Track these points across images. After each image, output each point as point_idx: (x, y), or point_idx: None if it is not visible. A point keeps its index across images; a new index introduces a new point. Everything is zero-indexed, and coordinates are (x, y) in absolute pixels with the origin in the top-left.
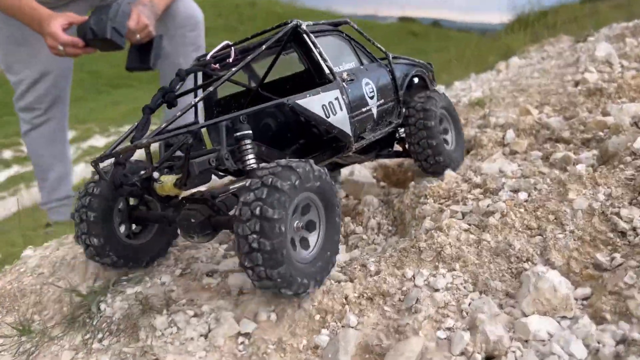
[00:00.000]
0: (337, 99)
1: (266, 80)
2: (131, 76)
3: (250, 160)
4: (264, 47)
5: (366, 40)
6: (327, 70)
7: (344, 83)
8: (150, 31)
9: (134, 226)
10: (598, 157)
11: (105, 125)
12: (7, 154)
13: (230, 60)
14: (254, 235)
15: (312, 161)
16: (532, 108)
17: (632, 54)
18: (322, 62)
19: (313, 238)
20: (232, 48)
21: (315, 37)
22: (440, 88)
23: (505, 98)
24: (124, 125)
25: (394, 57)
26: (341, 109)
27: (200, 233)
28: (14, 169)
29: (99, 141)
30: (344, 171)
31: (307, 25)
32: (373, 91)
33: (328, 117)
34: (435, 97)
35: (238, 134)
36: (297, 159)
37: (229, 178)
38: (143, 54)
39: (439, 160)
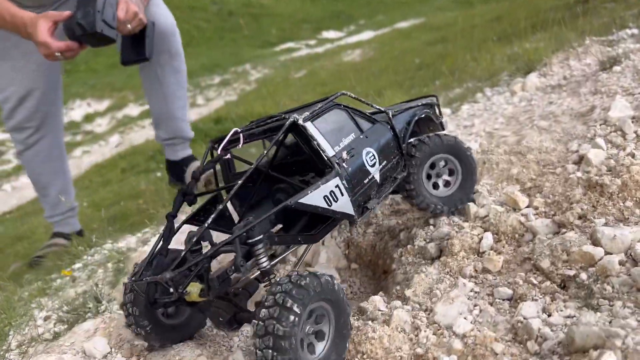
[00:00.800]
0: (337, 186)
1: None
2: None
3: (263, 262)
4: (272, 144)
5: (364, 104)
6: (326, 159)
7: (344, 163)
8: (141, 19)
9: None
10: (564, 344)
11: (140, 93)
12: None
13: (240, 146)
14: (269, 350)
15: (326, 276)
16: (521, 197)
17: None
18: (321, 152)
19: (320, 346)
20: (241, 135)
21: (314, 121)
22: (447, 113)
23: (499, 163)
24: None
25: (395, 111)
26: (342, 194)
27: (229, 328)
28: None
29: (133, 110)
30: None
31: (304, 118)
32: (374, 158)
33: (330, 206)
34: (427, 143)
35: (250, 241)
36: (307, 274)
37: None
38: (137, 45)
39: (419, 203)
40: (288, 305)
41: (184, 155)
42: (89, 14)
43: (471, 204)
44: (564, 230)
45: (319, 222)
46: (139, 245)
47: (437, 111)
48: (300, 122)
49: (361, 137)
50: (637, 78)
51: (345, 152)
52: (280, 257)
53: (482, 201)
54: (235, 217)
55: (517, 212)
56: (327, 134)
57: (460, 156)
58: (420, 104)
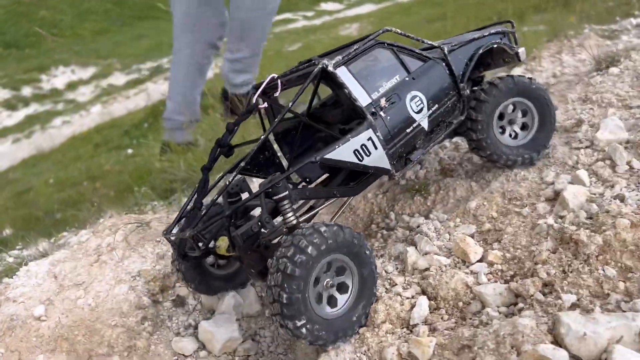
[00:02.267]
0: (369, 139)
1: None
2: (158, 7)
3: (289, 217)
4: (299, 93)
5: (413, 40)
6: (359, 109)
7: (381, 112)
8: None
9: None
10: None
11: (127, 61)
12: (27, 90)
13: (277, 93)
14: (277, 288)
15: (351, 231)
16: (473, 247)
17: None
18: (352, 101)
19: (343, 299)
20: (279, 81)
21: (349, 65)
22: None
23: (457, 189)
24: (146, 63)
25: (453, 45)
26: (375, 148)
27: (260, 279)
28: (33, 108)
29: (119, 79)
30: None
31: (335, 64)
32: (422, 103)
33: (362, 160)
34: (497, 85)
35: (275, 197)
36: (331, 224)
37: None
38: None
39: (488, 154)
40: (302, 245)
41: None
42: None
43: (410, 250)
44: (520, 305)
45: (362, 174)
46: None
47: (512, 40)
48: (330, 68)
49: (407, 79)
50: (637, 84)
51: (384, 98)
52: (317, 210)
53: (424, 246)
54: (285, 165)
55: (465, 268)
56: (364, 79)
57: (536, 100)
58: (489, 32)
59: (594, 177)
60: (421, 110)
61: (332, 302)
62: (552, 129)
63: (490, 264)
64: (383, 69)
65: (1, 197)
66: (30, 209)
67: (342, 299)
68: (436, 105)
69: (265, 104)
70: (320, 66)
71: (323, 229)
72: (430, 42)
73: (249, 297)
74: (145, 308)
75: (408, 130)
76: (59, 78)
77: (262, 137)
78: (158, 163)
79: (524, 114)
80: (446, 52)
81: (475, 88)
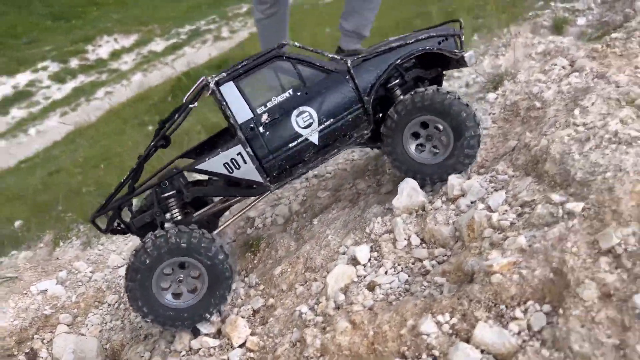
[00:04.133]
0: (239, 154)
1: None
2: None
3: (175, 213)
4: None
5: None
6: (232, 125)
7: (260, 127)
8: None
9: None
10: None
11: (166, 26)
12: (74, 62)
13: (207, 94)
14: (125, 273)
15: (205, 238)
16: (240, 330)
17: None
18: (228, 117)
19: (188, 296)
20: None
21: (239, 80)
22: None
23: (278, 248)
24: (185, 26)
25: (366, 55)
26: (245, 162)
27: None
28: (80, 79)
29: (159, 45)
30: None
31: (219, 80)
32: (311, 118)
33: (232, 173)
34: (407, 102)
35: (162, 195)
36: (183, 227)
37: None
38: None
39: (396, 166)
40: (147, 246)
41: (355, 47)
42: None
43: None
44: None
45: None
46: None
47: (457, 42)
48: (212, 85)
49: (299, 93)
50: (501, 117)
51: (267, 114)
52: (210, 207)
53: (207, 326)
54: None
55: (227, 353)
56: (253, 94)
57: (452, 119)
58: (428, 35)
59: (375, 252)
60: (310, 125)
61: (175, 295)
62: (471, 144)
63: (249, 350)
64: (277, 83)
65: (34, 178)
66: (49, 195)
67: (187, 297)
68: (330, 120)
69: (196, 104)
70: (201, 82)
71: (169, 232)
72: (333, 55)
73: (93, 350)
74: None
75: (291, 145)
76: (103, 47)
77: (139, 159)
78: None
79: (440, 130)
80: (349, 65)
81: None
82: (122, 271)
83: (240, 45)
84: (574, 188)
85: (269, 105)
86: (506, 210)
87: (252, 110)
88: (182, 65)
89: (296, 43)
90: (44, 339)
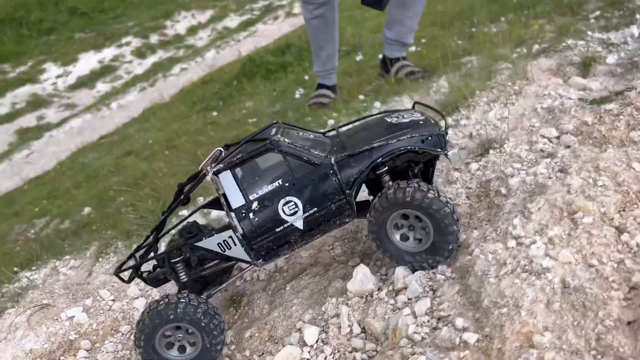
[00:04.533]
0: (230, 237)
1: None
2: None
3: (182, 276)
4: (180, 197)
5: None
6: (227, 214)
7: (250, 214)
8: None
9: None
10: None
11: (241, 1)
12: (154, 38)
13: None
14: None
15: (192, 304)
16: None
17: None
18: (224, 204)
19: (190, 349)
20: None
21: (235, 168)
22: None
23: (255, 308)
24: (258, 1)
25: (347, 155)
26: (235, 244)
27: None
28: (159, 54)
29: (233, 21)
30: None
31: (218, 169)
32: (296, 207)
33: (224, 252)
34: (387, 197)
35: (172, 260)
36: (172, 297)
37: None
38: None
39: (382, 252)
40: (148, 312)
41: (398, 55)
42: None
43: None
44: None
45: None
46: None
47: (441, 141)
48: (209, 176)
49: (287, 185)
50: (476, 192)
51: (257, 202)
52: (214, 265)
53: None
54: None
55: None
56: (247, 181)
57: (430, 213)
58: (409, 136)
59: (324, 334)
60: (295, 213)
61: (181, 350)
62: (446, 248)
63: None
64: (269, 172)
65: (110, 158)
66: (118, 177)
67: (190, 350)
68: (315, 209)
69: (211, 174)
70: (202, 174)
71: (164, 302)
72: (316, 155)
73: None
74: None
75: (277, 230)
76: (181, 23)
77: (163, 216)
78: None
79: (421, 221)
80: (333, 162)
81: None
82: (137, 303)
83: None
84: (479, 314)
85: (260, 193)
86: (424, 322)
87: (245, 197)
88: (254, 43)
89: (288, 122)
90: None
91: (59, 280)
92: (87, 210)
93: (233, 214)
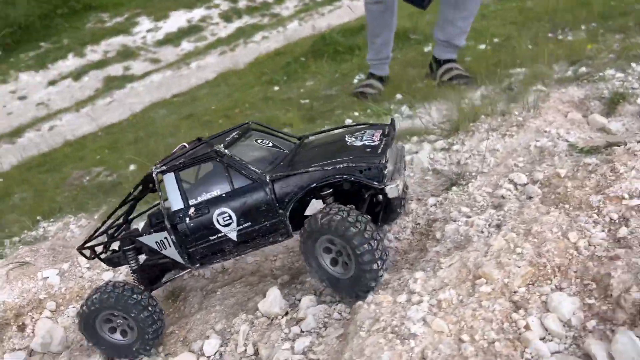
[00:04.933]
0: (165, 238)
1: None
2: None
3: (132, 264)
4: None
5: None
6: (163, 213)
7: (187, 219)
8: None
9: None
10: None
11: None
12: (242, 3)
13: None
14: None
15: (122, 286)
16: None
17: None
18: (162, 205)
19: (128, 334)
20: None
21: (179, 171)
22: None
23: (187, 305)
24: None
25: (285, 175)
26: (170, 246)
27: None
28: (244, 20)
29: None
30: None
31: (164, 169)
32: (230, 219)
33: (161, 250)
34: (316, 219)
35: (124, 248)
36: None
37: None
38: None
39: (317, 278)
40: (90, 298)
41: (447, 57)
42: None
43: None
44: None
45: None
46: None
47: (375, 174)
48: (154, 174)
49: (224, 195)
50: (421, 230)
51: (194, 208)
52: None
53: None
54: None
55: None
56: (189, 186)
57: (347, 241)
58: (345, 165)
59: (223, 347)
60: (229, 224)
61: (123, 334)
62: (367, 266)
63: None
64: (210, 181)
65: (176, 116)
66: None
67: (128, 335)
68: (249, 223)
69: (155, 173)
70: (148, 172)
71: (101, 289)
72: (254, 169)
73: (57, 338)
74: None
75: (211, 238)
76: None
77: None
78: None
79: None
80: (268, 180)
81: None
82: (105, 275)
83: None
84: None
85: (199, 199)
86: None
87: (184, 201)
88: (336, 19)
89: (260, 124)
90: (33, 317)
91: (69, 235)
92: (132, 167)
93: (167, 217)
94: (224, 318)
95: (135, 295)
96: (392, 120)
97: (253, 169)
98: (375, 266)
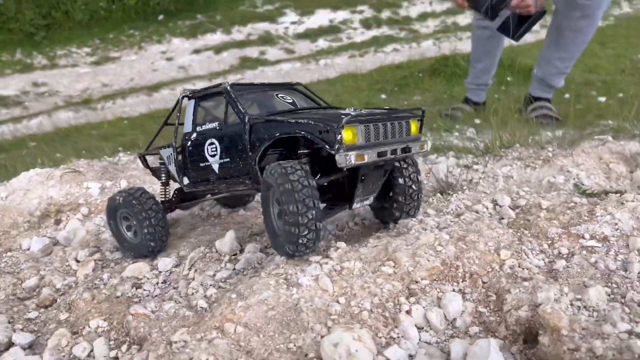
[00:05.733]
0: (170, 154)
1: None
2: None
3: (162, 176)
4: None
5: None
6: (175, 133)
7: (188, 142)
8: (530, 11)
9: None
10: None
11: None
12: (385, 14)
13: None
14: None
15: (132, 197)
16: None
17: None
18: (177, 125)
19: (131, 232)
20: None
21: (199, 99)
22: None
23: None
24: None
25: (262, 119)
26: (171, 163)
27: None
28: (382, 29)
29: (467, 19)
30: None
31: (187, 94)
32: (216, 151)
33: (169, 165)
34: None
35: (160, 160)
36: (125, 194)
37: None
38: (516, 25)
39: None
40: (116, 196)
41: (540, 95)
42: None
43: None
44: None
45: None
46: None
47: (331, 138)
48: (180, 95)
49: (217, 128)
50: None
51: (196, 133)
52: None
53: None
54: None
55: None
56: (199, 114)
57: (280, 197)
58: (313, 122)
59: (175, 268)
60: (214, 155)
61: (135, 235)
62: (293, 218)
63: None
64: (213, 113)
65: None
66: None
67: (132, 232)
68: (228, 158)
69: (181, 96)
70: (180, 93)
71: (133, 191)
72: (241, 108)
73: (78, 238)
74: (34, 216)
75: (201, 165)
76: (416, 7)
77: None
78: None
79: None
80: (247, 121)
81: None
82: None
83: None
84: None
85: (203, 128)
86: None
87: (193, 126)
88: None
89: (304, 85)
90: (68, 216)
91: (127, 163)
92: None
93: (176, 137)
94: (189, 247)
95: (147, 206)
96: (423, 111)
97: (240, 108)
98: (298, 229)
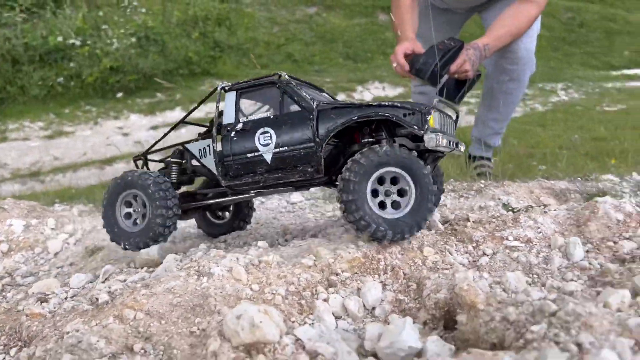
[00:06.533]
0: (208, 146)
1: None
2: None
3: (173, 177)
4: (199, 103)
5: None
6: (214, 123)
7: (232, 132)
8: (468, 76)
9: None
10: None
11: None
12: (341, 97)
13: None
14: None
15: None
16: None
17: None
18: (216, 117)
19: (404, 201)
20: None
21: (241, 91)
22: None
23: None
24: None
25: (331, 105)
26: (209, 154)
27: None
28: None
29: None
30: None
31: (229, 87)
32: (270, 140)
33: (201, 158)
34: (375, 151)
35: (170, 160)
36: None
37: None
38: (453, 89)
39: (355, 220)
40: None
41: (478, 154)
42: (427, 64)
43: None
44: None
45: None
46: None
47: (421, 120)
48: (219, 88)
49: (271, 117)
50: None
51: (242, 123)
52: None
53: None
54: None
55: None
56: (244, 105)
57: (414, 174)
58: (391, 104)
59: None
60: (267, 145)
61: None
62: (427, 209)
63: None
64: (266, 102)
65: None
66: None
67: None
68: (285, 147)
69: (220, 88)
70: (218, 86)
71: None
72: (307, 99)
73: None
74: None
75: (248, 155)
76: (371, 91)
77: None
78: None
79: (401, 192)
80: (315, 107)
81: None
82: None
83: None
84: None
85: (249, 118)
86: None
87: (235, 117)
88: None
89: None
90: None
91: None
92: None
93: (215, 128)
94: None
95: (157, 179)
96: (457, 113)
97: (305, 95)
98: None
